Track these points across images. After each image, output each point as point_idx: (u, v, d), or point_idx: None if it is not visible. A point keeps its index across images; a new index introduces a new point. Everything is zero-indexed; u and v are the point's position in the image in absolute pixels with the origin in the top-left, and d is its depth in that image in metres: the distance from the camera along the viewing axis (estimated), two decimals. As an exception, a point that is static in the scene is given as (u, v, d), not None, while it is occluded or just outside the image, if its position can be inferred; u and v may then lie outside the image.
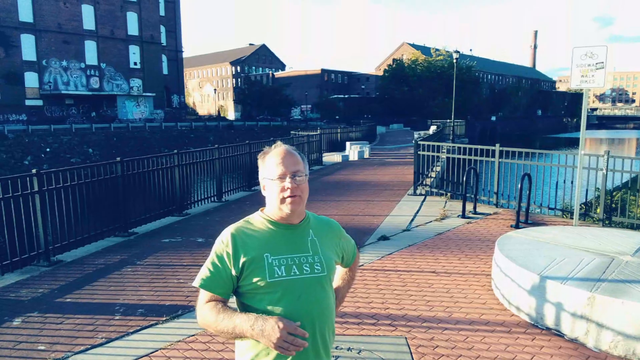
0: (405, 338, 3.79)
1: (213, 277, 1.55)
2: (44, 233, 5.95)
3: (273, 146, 1.63)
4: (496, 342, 3.71)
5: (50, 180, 6.18)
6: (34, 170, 6.00)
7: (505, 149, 9.09)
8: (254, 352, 1.53)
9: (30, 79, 42.80)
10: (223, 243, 1.58)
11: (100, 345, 3.76)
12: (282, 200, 1.55)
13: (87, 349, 3.69)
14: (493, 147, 9.17)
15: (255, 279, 1.51)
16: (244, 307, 1.57)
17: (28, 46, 42.36)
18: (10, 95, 40.78)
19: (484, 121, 71.04)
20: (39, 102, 43.35)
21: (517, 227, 7.24)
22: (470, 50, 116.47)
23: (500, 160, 9.06)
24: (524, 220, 7.62)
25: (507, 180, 9.00)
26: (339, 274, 1.90)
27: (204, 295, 1.56)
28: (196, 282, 1.58)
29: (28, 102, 42.50)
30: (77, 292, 5.00)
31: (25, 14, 41.93)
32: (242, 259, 1.53)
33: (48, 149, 32.53)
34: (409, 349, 3.61)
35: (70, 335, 3.92)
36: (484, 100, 79.92)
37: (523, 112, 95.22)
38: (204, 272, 1.58)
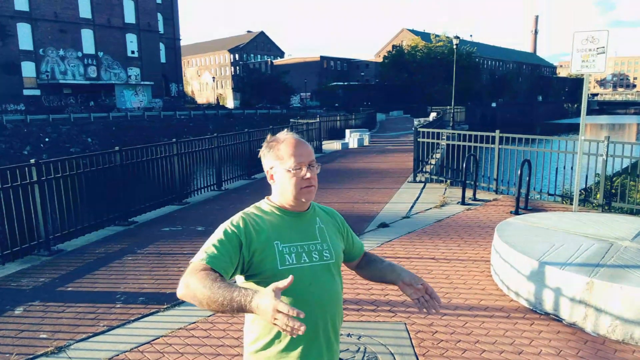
0: (405, 324, 3.81)
1: (220, 254, 1.45)
2: (44, 223, 5.96)
3: (282, 135, 1.60)
4: (495, 327, 3.74)
5: (50, 170, 6.17)
6: (32, 160, 5.98)
7: (505, 135, 9.06)
8: (267, 339, 1.52)
9: (28, 69, 42.50)
10: (233, 225, 1.53)
11: (102, 333, 3.79)
12: (301, 190, 1.55)
13: (88, 337, 3.72)
14: (493, 134, 9.14)
15: (265, 267, 1.50)
16: None
17: (24, 35, 41.97)
18: (7, 85, 40.53)
19: (485, 107, 70.68)
20: (37, 92, 43.11)
21: (516, 213, 7.25)
22: (471, 36, 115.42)
23: (500, 146, 9.04)
24: (524, 206, 7.63)
25: (507, 167, 8.99)
26: (356, 267, 1.90)
27: (200, 265, 1.42)
28: (198, 258, 1.44)
29: (26, 92, 42.27)
30: (78, 280, 5.03)
31: (21, 2, 41.45)
32: (254, 245, 1.51)
33: (47, 139, 32.45)
34: (409, 334, 3.64)
35: (71, 324, 3.95)
36: (485, 87, 79.49)
37: (523, 98, 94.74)
38: (209, 249, 1.46)
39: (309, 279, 1.53)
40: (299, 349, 1.51)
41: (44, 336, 3.76)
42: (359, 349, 3.43)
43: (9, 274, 5.25)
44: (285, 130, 1.68)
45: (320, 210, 1.72)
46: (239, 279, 1.58)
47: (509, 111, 78.47)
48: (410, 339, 3.58)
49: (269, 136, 1.64)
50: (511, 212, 7.40)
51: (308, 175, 1.54)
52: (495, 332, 3.66)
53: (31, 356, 3.45)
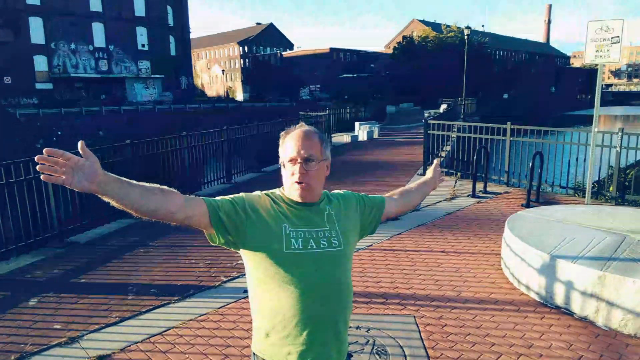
0: (414, 317, 3.81)
1: (222, 204, 1.51)
2: (57, 215, 6.04)
3: (297, 126, 1.61)
4: (505, 321, 3.72)
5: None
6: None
7: (516, 127, 8.95)
8: (271, 325, 1.53)
9: (40, 63, 42.87)
10: (248, 196, 1.58)
11: (114, 324, 3.85)
12: (292, 185, 1.54)
13: (101, 328, 3.78)
14: (504, 126, 9.04)
15: (271, 247, 1.49)
16: (260, 279, 1.54)
17: (36, 29, 42.27)
18: (20, 79, 40.94)
19: (496, 99, 69.79)
20: (49, 86, 43.51)
21: (528, 206, 7.18)
22: (482, 26, 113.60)
23: (511, 138, 8.94)
24: (535, 199, 7.55)
25: (518, 159, 8.89)
26: (393, 209, 1.93)
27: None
28: (197, 197, 1.51)
29: (38, 86, 42.67)
30: (91, 272, 5.10)
31: (32, -4, 41.76)
32: (261, 220, 1.51)
33: (59, 132, 32.81)
34: (418, 327, 3.64)
35: (85, 315, 4.02)
36: (496, 78, 78.43)
37: (536, 89, 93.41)
38: (212, 198, 1.54)
39: (315, 265, 1.51)
40: (304, 335, 1.49)
41: (58, 327, 3.83)
42: (368, 341, 3.44)
43: (23, 266, 5.34)
44: (301, 122, 1.67)
45: (332, 198, 1.69)
46: (243, 255, 1.57)
47: (521, 102, 77.44)
48: (420, 332, 3.58)
49: (292, 127, 1.63)
50: (522, 205, 7.33)
51: (296, 170, 1.51)
52: (505, 326, 3.64)
53: (45, 346, 3.52)
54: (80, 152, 1.22)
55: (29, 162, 5.82)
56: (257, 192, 1.62)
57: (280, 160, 1.59)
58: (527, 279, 4.20)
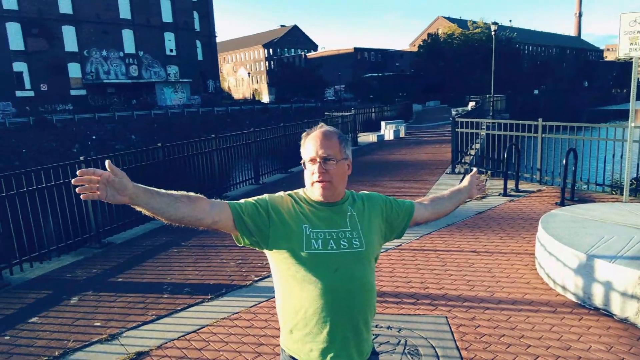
0: (446, 317, 3.78)
1: (246, 207, 1.57)
2: (95, 217, 6.27)
3: (313, 129, 1.64)
4: (541, 322, 3.64)
5: (97, 166, 6.47)
6: (81, 158, 6.30)
7: (548, 123, 8.72)
8: (293, 323, 1.57)
9: (74, 70, 44.41)
10: (270, 197, 1.62)
11: (151, 322, 3.97)
12: (312, 184, 1.58)
13: (139, 325, 3.90)
14: (535, 122, 8.82)
15: (291, 247, 1.53)
16: (282, 278, 1.59)
17: (69, 37, 43.82)
18: (56, 86, 42.55)
19: (526, 95, 68.07)
20: (83, 92, 45.04)
21: (562, 204, 6.99)
22: (510, 21, 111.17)
23: (543, 135, 8.72)
24: (570, 197, 7.34)
25: (551, 156, 8.66)
26: (423, 215, 1.87)
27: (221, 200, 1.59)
28: (222, 201, 1.59)
29: (73, 92, 44.22)
30: (127, 272, 5.27)
31: (65, 5, 43.26)
32: (283, 221, 1.56)
33: (94, 137, 33.89)
34: (450, 328, 3.61)
35: (123, 313, 4.16)
36: (526, 73, 76.51)
37: (568, 84, 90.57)
38: (236, 201, 1.61)
39: (335, 265, 1.53)
40: (324, 333, 1.53)
41: (98, 324, 3.97)
42: (400, 341, 3.43)
43: (64, 265, 5.57)
44: (321, 123, 1.69)
45: (356, 198, 1.70)
46: (268, 254, 1.63)
47: (553, 98, 75.29)
48: (452, 332, 3.54)
49: (314, 128, 1.67)
50: (556, 204, 7.14)
51: (316, 169, 1.55)
52: (541, 327, 3.56)
53: (87, 343, 3.66)
54: (108, 169, 1.32)
55: (67, 166, 6.08)
56: (280, 193, 1.66)
57: (302, 161, 1.63)
58: (563, 280, 4.09)
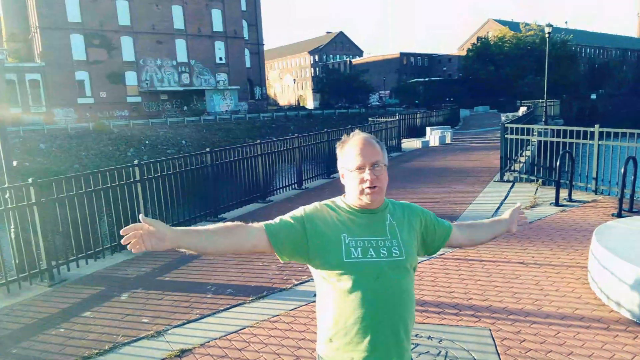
0: (490, 330, 3.66)
1: (281, 225, 1.60)
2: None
3: (351, 135, 1.64)
4: (592, 339, 3.45)
5: (150, 170, 6.80)
6: (135, 162, 6.64)
7: (606, 130, 8.26)
8: (334, 330, 1.57)
9: (130, 78, 46.92)
10: (304, 209, 1.64)
11: (195, 320, 4.10)
12: (362, 191, 1.57)
13: (183, 324, 4.05)
14: (592, 129, 8.37)
15: (331, 257, 1.54)
16: (322, 287, 1.61)
17: (127, 47, 46.39)
18: (114, 94, 45.17)
19: (582, 100, 64.68)
20: (138, 99, 47.44)
21: (619, 215, 6.59)
22: (566, 22, 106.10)
23: (600, 142, 8.26)
24: (628, 208, 6.91)
25: (608, 165, 8.18)
26: (458, 240, 1.85)
27: (258, 225, 1.61)
28: (259, 224, 1.61)
29: (129, 99, 46.72)
30: (174, 271, 5.48)
31: (124, 17, 45.87)
32: (319, 229, 1.57)
33: (147, 142, 35.51)
34: (494, 341, 3.49)
35: (169, 310, 4.33)
36: (582, 77, 72.72)
37: (629, 88, 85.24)
38: (273, 220, 1.63)
39: (375, 273, 1.53)
40: (365, 342, 1.52)
41: (146, 320, 4.16)
42: (440, 352, 3.35)
43: (117, 263, 5.88)
44: (357, 129, 1.70)
45: (395, 207, 1.70)
46: (312, 270, 1.65)
47: (612, 103, 71.19)
48: (496, 345, 3.42)
49: (344, 136, 1.67)
50: (613, 215, 6.74)
51: (367, 177, 1.54)
52: (592, 344, 3.37)
53: (135, 338, 3.84)
54: (142, 222, 1.42)
55: (122, 169, 6.42)
56: (315, 204, 1.66)
57: (342, 169, 1.63)
58: (618, 295, 3.85)
